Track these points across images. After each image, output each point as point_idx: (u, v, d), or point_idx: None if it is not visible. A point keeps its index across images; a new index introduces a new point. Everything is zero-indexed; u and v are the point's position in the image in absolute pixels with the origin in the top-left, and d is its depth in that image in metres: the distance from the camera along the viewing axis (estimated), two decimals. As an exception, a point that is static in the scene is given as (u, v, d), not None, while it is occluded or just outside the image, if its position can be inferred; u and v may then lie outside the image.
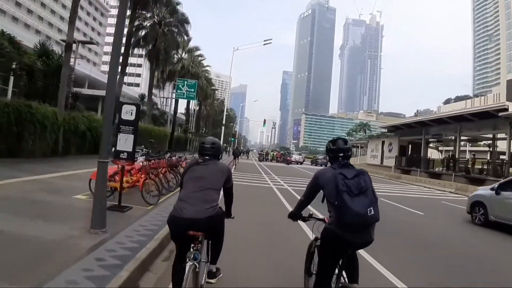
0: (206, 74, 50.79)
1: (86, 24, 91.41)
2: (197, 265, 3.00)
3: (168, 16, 31.44)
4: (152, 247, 4.68)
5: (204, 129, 67.47)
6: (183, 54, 41.14)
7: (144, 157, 10.00)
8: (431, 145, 40.36)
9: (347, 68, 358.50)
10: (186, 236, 3.00)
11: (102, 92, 38.30)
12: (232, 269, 4.35)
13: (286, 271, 4.70)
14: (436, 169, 30.91)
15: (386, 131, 41.44)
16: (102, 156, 5.29)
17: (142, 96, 43.04)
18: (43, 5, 76.00)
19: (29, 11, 71.78)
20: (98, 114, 25.80)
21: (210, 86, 56.46)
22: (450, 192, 22.63)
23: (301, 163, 49.00)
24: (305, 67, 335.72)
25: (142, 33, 31.14)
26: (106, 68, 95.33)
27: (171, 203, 3.84)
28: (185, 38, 35.48)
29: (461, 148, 33.86)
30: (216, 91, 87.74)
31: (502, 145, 38.49)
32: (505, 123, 23.62)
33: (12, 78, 20.94)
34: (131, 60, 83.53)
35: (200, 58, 45.05)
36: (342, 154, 3.14)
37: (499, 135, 28.73)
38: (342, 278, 3.12)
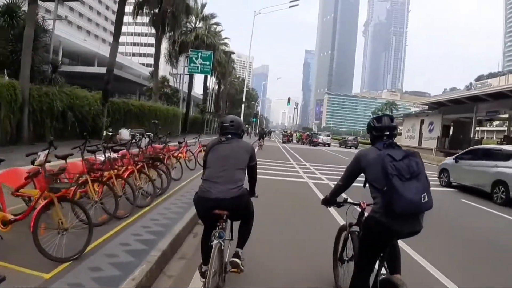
0: (225, 48, 45.91)
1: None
2: (222, 243, 3.02)
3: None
4: None
5: (225, 110, 63.81)
6: (197, 22, 36.51)
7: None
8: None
9: (371, 45, 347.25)
10: (212, 215, 3.01)
11: (99, 69, 34.78)
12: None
13: None
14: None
15: (426, 108, 36.48)
16: None
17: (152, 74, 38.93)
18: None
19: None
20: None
21: (229, 61, 52.31)
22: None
23: (329, 145, 44.95)
24: (328, 45, 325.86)
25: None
26: (122, 49, 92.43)
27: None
28: (198, 2, 31.26)
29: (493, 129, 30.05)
30: (237, 70, 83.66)
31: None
32: None
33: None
34: (146, 39, 80.00)
35: (216, 27, 39.76)
36: (388, 133, 2.80)
37: None
38: (383, 269, 2.81)
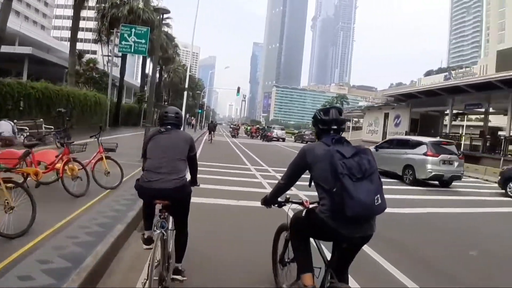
0: (167, 29, 40.00)
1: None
2: (165, 233, 3.02)
3: None
4: None
5: (168, 100, 57.65)
6: (132, -6, 30.03)
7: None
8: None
9: (319, 40, 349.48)
10: (153, 205, 3.16)
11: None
12: None
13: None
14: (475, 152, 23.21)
15: (392, 100, 33.23)
16: None
17: (79, 54, 31.66)
18: None
19: None
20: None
21: (172, 45, 46.27)
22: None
23: (284, 140, 40.96)
24: (276, 38, 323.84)
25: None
26: (58, 33, 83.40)
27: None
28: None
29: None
30: (182, 60, 77.12)
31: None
32: None
33: None
34: (84, 24, 71.89)
35: (158, 3, 32.88)
36: (335, 127, 2.59)
37: None
38: (330, 276, 2.60)
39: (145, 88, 38.47)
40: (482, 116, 29.23)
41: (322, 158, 2.39)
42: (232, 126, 49.10)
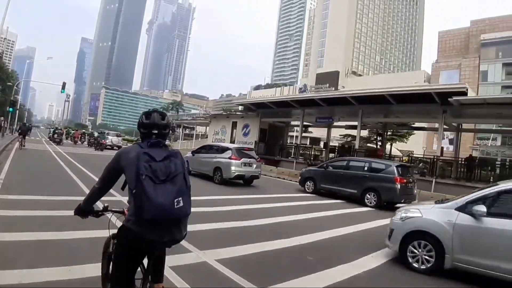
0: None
1: None
2: None
3: None
4: None
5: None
6: None
7: None
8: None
9: (154, 44, 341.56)
10: None
11: None
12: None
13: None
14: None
15: (241, 108, 32.36)
16: None
17: None
18: None
19: None
20: None
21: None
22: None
23: (119, 148, 35.26)
24: (109, 36, 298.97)
25: None
26: None
27: None
28: None
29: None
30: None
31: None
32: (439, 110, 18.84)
33: None
34: None
35: None
36: (157, 131, 2.53)
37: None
38: (149, 284, 2.57)
39: None
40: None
41: (133, 161, 2.31)
42: (57, 131, 39.54)
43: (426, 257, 5.60)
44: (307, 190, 14.89)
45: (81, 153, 24.42)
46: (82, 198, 2.73)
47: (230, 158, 14.48)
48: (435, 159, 19.06)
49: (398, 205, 11.48)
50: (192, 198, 2.43)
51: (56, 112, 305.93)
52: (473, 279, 5.15)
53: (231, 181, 14.63)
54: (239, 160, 14.50)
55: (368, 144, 40.47)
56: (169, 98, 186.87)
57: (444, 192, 15.04)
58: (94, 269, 3.69)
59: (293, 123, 31.63)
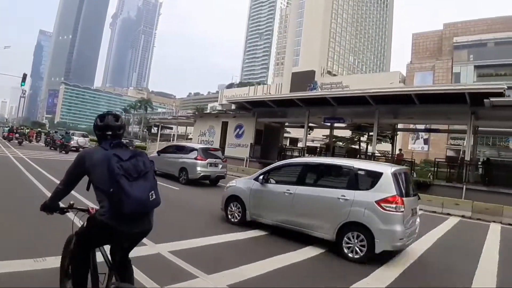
0: None
1: None
2: None
3: None
4: None
5: None
6: None
7: None
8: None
9: (117, 39, 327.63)
10: None
11: None
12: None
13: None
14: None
15: (233, 107, 29.93)
16: None
17: None
18: None
19: None
20: None
21: None
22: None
23: (85, 149, 31.75)
24: (69, 29, 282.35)
25: None
26: None
27: None
28: None
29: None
30: None
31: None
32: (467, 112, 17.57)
33: None
34: None
35: None
36: (110, 132, 2.71)
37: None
38: (114, 278, 2.68)
39: None
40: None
41: (101, 162, 2.47)
42: (19, 130, 34.85)
43: (236, 214, 7.98)
44: None
45: (45, 158, 20.53)
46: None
47: (196, 158, 14.61)
48: (466, 163, 17.59)
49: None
50: None
51: (10, 109, 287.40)
52: (267, 228, 7.43)
53: (197, 182, 14.61)
54: (205, 160, 14.69)
55: (353, 146, 39.77)
56: (134, 96, 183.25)
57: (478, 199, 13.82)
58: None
59: (292, 123, 29.71)
